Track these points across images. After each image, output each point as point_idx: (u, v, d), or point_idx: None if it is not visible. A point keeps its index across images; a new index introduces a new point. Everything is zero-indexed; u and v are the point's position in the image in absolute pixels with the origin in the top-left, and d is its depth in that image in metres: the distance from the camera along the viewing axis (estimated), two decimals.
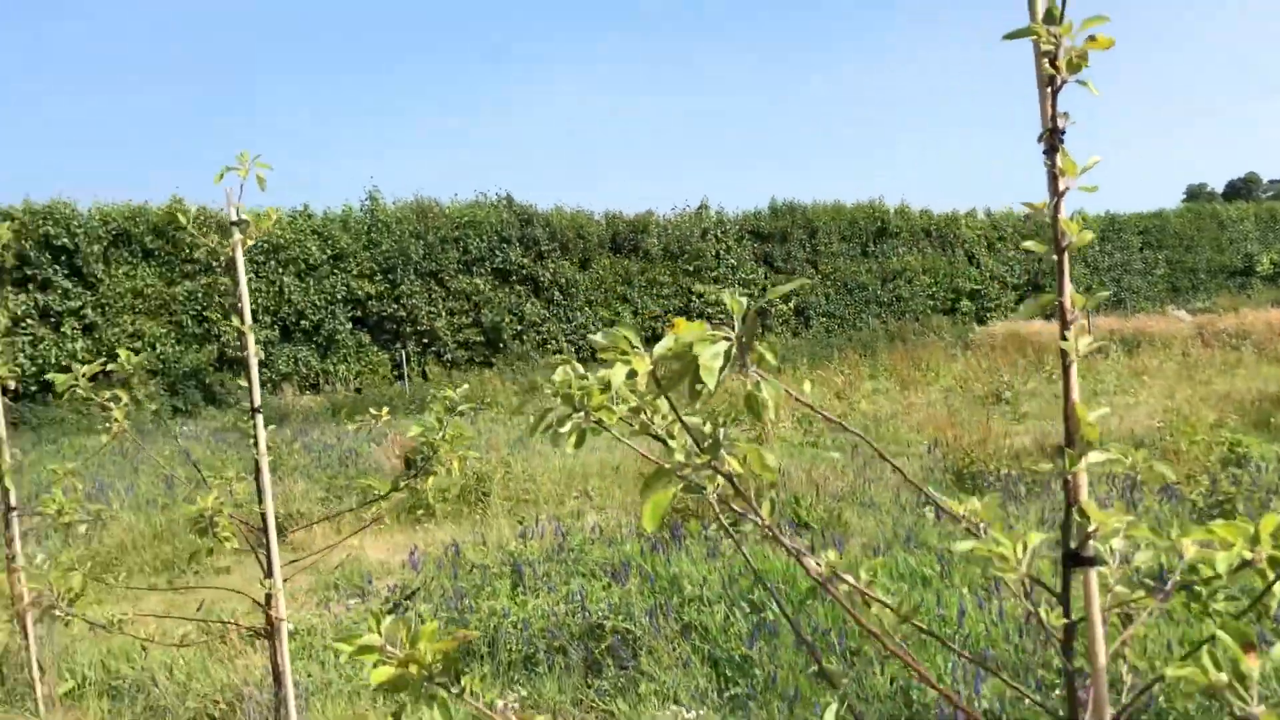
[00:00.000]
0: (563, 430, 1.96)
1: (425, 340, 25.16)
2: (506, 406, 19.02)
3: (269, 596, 3.90)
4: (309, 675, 5.01)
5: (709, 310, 29.52)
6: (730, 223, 30.80)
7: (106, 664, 5.34)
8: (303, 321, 23.61)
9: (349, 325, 24.33)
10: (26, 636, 4.84)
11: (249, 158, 3.80)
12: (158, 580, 7.43)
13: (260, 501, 3.92)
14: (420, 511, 4.62)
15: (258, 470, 3.94)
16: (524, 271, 26.83)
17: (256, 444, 3.91)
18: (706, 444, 1.58)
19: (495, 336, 26.02)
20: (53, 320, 20.79)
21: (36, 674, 4.83)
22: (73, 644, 5.60)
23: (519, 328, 26.44)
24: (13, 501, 4.77)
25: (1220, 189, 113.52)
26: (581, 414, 1.93)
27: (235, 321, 3.85)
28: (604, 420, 1.92)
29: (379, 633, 2.13)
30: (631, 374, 1.51)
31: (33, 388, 20.09)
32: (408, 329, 25.04)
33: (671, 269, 29.36)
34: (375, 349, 24.75)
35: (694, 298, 29.45)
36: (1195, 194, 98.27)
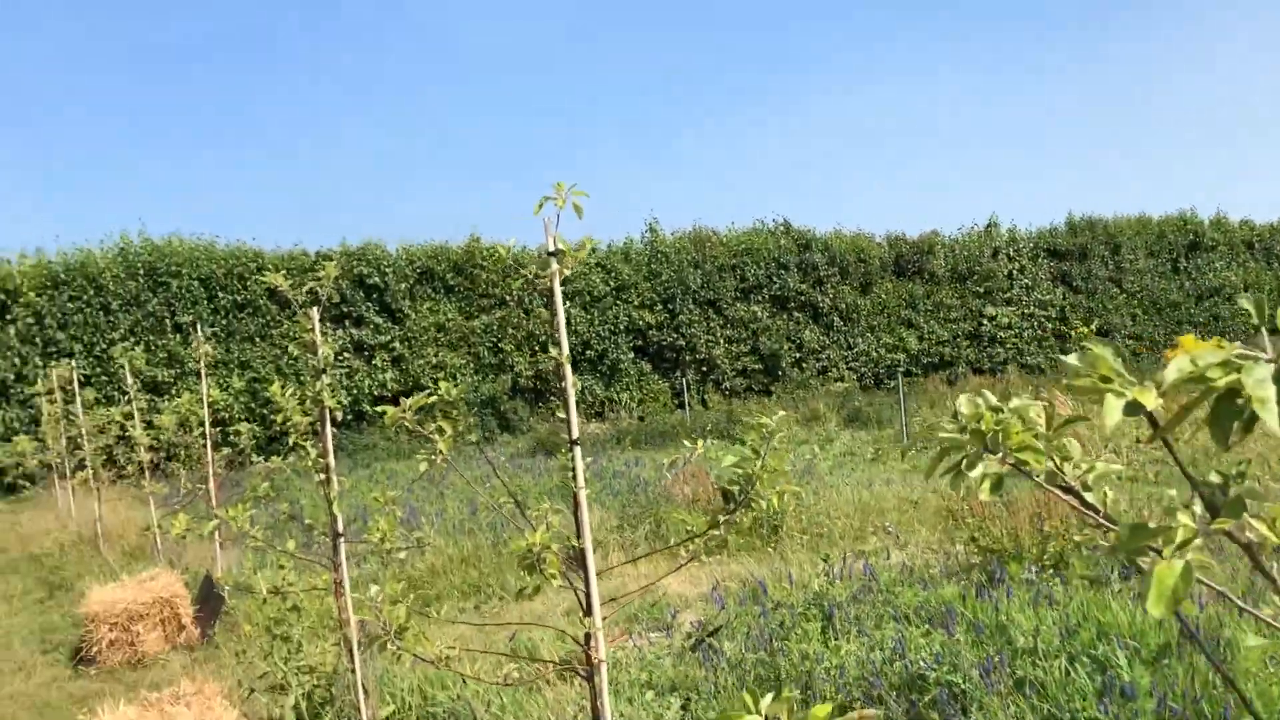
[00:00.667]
0: (972, 474, 1.62)
1: (704, 368, 25.27)
2: (790, 436, 18.65)
3: (588, 636, 3.75)
4: (621, 716, 4.86)
5: (1000, 334, 28.04)
6: (1023, 240, 29.12)
7: (423, 690, 5.43)
8: (588, 351, 24.30)
9: (631, 354, 24.82)
10: (353, 660, 4.97)
11: (564, 188, 3.68)
12: (465, 604, 7.62)
13: (578, 536, 3.78)
14: (714, 544, 4.40)
15: (576, 504, 3.81)
16: (802, 298, 26.46)
17: (575, 477, 3.78)
18: (1226, 501, 1.19)
19: (773, 364, 25.77)
20: (365, 353, 22.41)
21: (361, 696, 4.95)
22: (390, 668, 5.75)
23: (797, 355, 26.07)
24: (339, 528, 4.93)
25: None
26: (998, 455, 1.59)
27: (553, 352, 3.75)
28: (1028, 463, 1.57)
29: (758, 711, 1.87)
30: (1133, 408, 1.15)
31: (348, 416, 21.73)
32: (687, 357, 25.25)
33: (960, 291, 28.08)
34: (656, 377, 25.10)
35: (984, 321, 28.02)
36: None
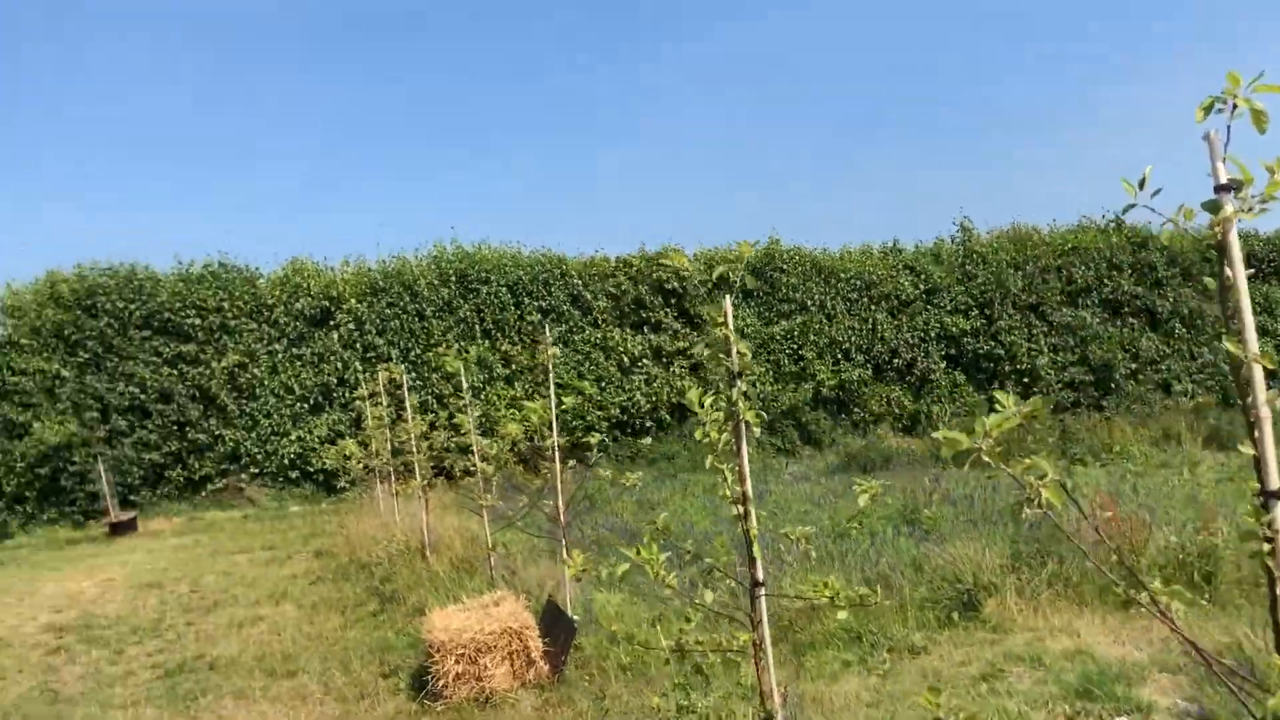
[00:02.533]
0: None
1: (1025, 380, 23.01)
2: (1142, 458, 16.36)
3: None
4: None
5: None
6: None
7: None
8: (895, 360, 22.68)
9: (942, 364, 22.96)
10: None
11: (1239, 83, 2.40)
12: (846, 655, 6.44)
13: None
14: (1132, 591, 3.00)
15: None
16: (1138, 302, 23.65)
17: None
18: None
19: (1105, 375, 23.13)
20: (664, 360, 21.83)
21: None
22: None
23: (1132, 366, 23.28)
24: (759, 575, 3.87)
25: None
26: None
27: (1230, 346, 2.48)
28: None
29: None
30: None
31: (647, 423, 21.22)
32: (1006, 368, 23.09)
33: None
34: (970, 390, 23.10)
35: None
36: None
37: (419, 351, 20.17)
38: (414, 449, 9.91)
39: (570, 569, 3.93)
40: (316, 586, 10.44)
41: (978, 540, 8.36)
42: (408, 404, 10.11)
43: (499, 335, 20.76)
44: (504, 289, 20.94)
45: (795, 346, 22.09)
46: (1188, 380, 23.46)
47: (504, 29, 55.68)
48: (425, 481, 9.50)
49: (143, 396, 19.04)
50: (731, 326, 3.93)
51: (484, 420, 20.25)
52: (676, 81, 52.59)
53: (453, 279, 20.79)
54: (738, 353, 3.90)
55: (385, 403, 11.85)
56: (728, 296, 3.89)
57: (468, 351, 20.51)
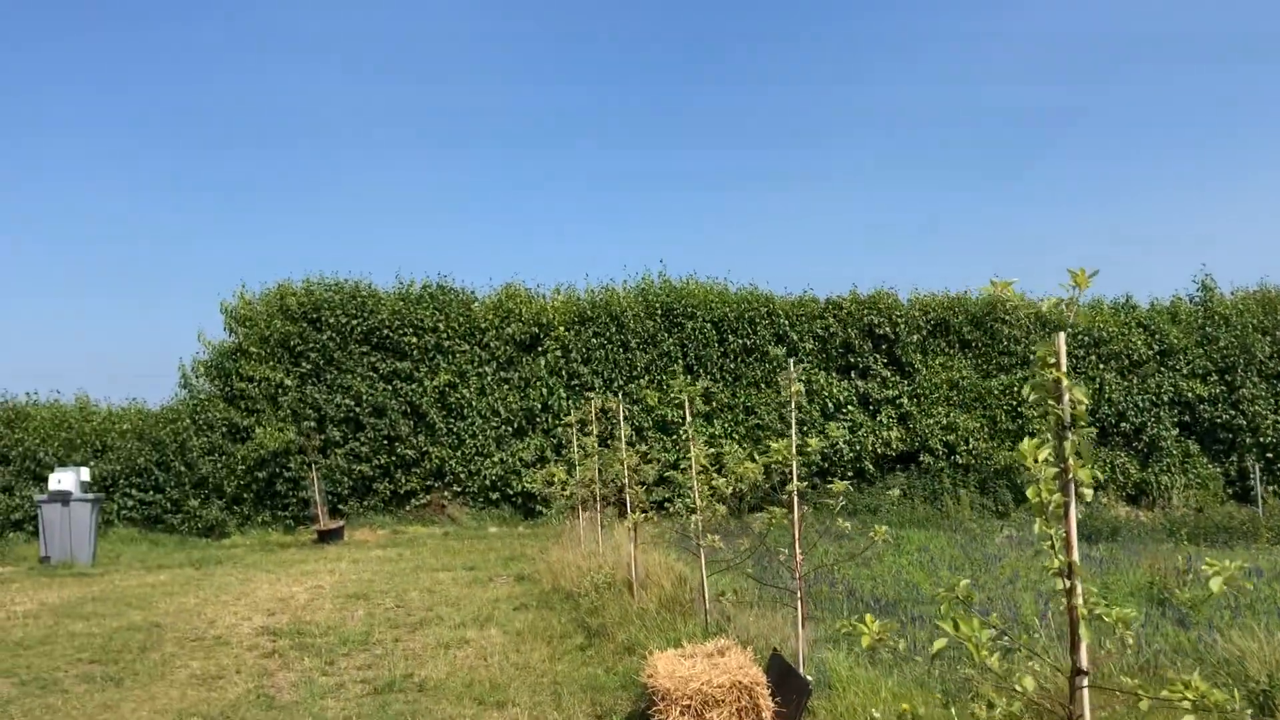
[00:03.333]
0: None
1: (1269, 454, 21.00)
2: None
3: None
4: None
5: None
6: None
7: None
8: (1122, 424, 21.12)
9: (1174, 431, 21.24)
10: None
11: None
12: None
13: None
14: None
15: None
16: None
17: None
18: None
19: None
20: (870, 408, 21.03)
21: None
22: None
23: None
24: (1083, 662, 3.30)
25: None
26: None
27: None
28: None
29: None
30: None
31: (849, 474, 20.44)
32: (1247, 439, 21.15)
33: None
34: (1204, 461, 21.27)
35: None
36: None
37: (621, 382, 20.12)
38: (627, 480, 9.66)
39: (865, 636, 3.46)
40: (521, 613, 10.30)
41: (1263, 631, 7.39)
42: (621, 434, 9.89)
43: (700, 371, 20.48)
44: (709, 325, 20.68)
45: (1014, 403, 20.88)
46: None
47: (717, 55, 56.02)
48: (641, 515, 9.21)
49: (357, 409, 19.70)
50: (1064, 367, 3.38)
51: (763, 460, 20.02)
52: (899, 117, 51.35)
53: (658, 312, 20.70)
54: (1070, 400, 3.35)
55: (595, 430, 11.71)
56: (1061, 334, 3.36)
57: (668, 385, 20.34)
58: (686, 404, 8.33)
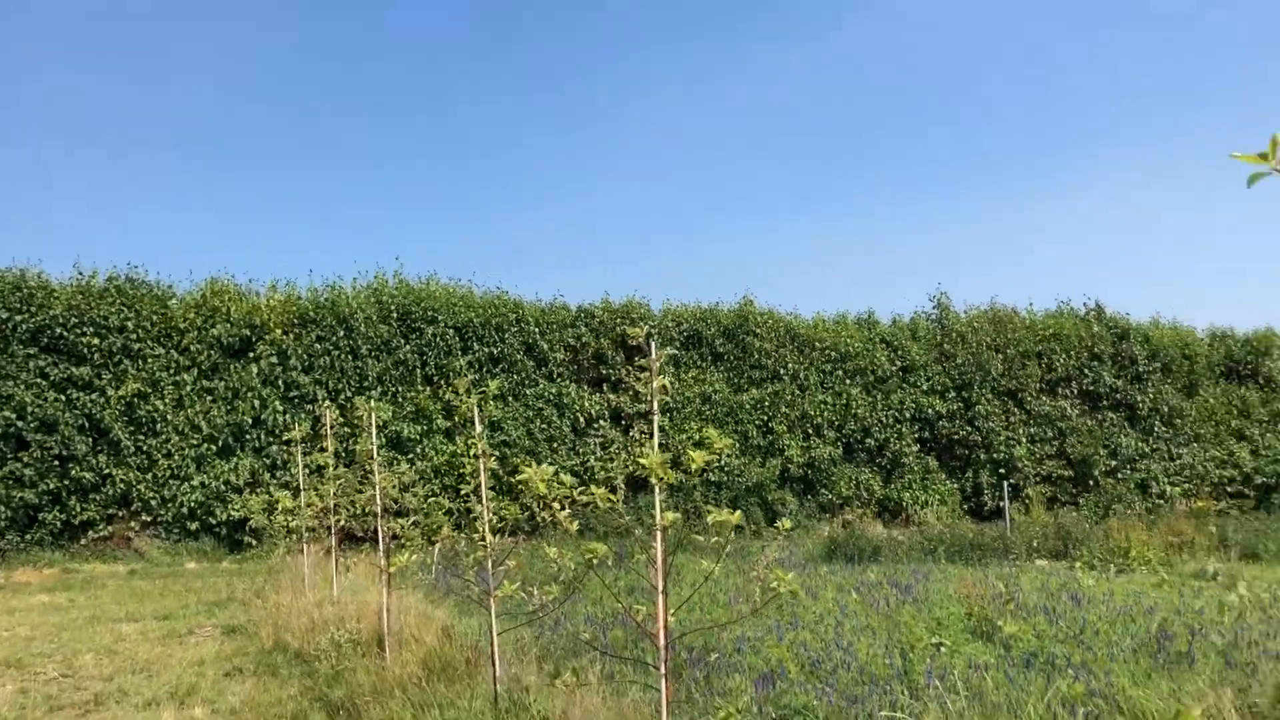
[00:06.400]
0: None
1: (1001, 470, 21.50)
2: (1163, 567, 14.79)
3: None
4: None
5: None
6: None
7: None
8: (867, 440, 20.98)
9: (915, 447, 21.34)
10: None
11: None
12: None
13: None
14: None
15: None
16: (1117, 395, 22.47)
17: None
18: None
19: (1084, 471, 21.78)
20: (623, 423, 19.77)
21: None
22: None
23: (1112, 463, 21.97)
24: None
25: None
26: None
27: None
28: None
29: None
30: None
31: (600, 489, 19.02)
32: (981, 455, 21.57)
33: None
34: (942, 476, 21.51)
35: None
36: None
37: (349, 394, 17.72)
38: (379, 508, 7.68)
39: None
40: (235, 681, 8.00)
41: (1120, 673, 6.47)
42: (374, 450, 7.87)
43: (441, 382, 18.43)
44: (451, 331, 18.69)
45: (765, 418, 20.24)
46: (1166, 481, 22.24)
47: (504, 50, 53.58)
48: (385, 550, 7.25)
49: (20, 424, 16.20)
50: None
51: (430, 473, 17.87)
52: (654, 134, 50.72)
53: (394, 315, 18.49)
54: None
55: (331, 447, 9.59)
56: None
57: (404, 398, 18.16)
58: (476, 413, 6.52)
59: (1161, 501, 21.79)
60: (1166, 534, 16.71)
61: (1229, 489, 22.70)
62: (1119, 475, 21.93)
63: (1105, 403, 22.47)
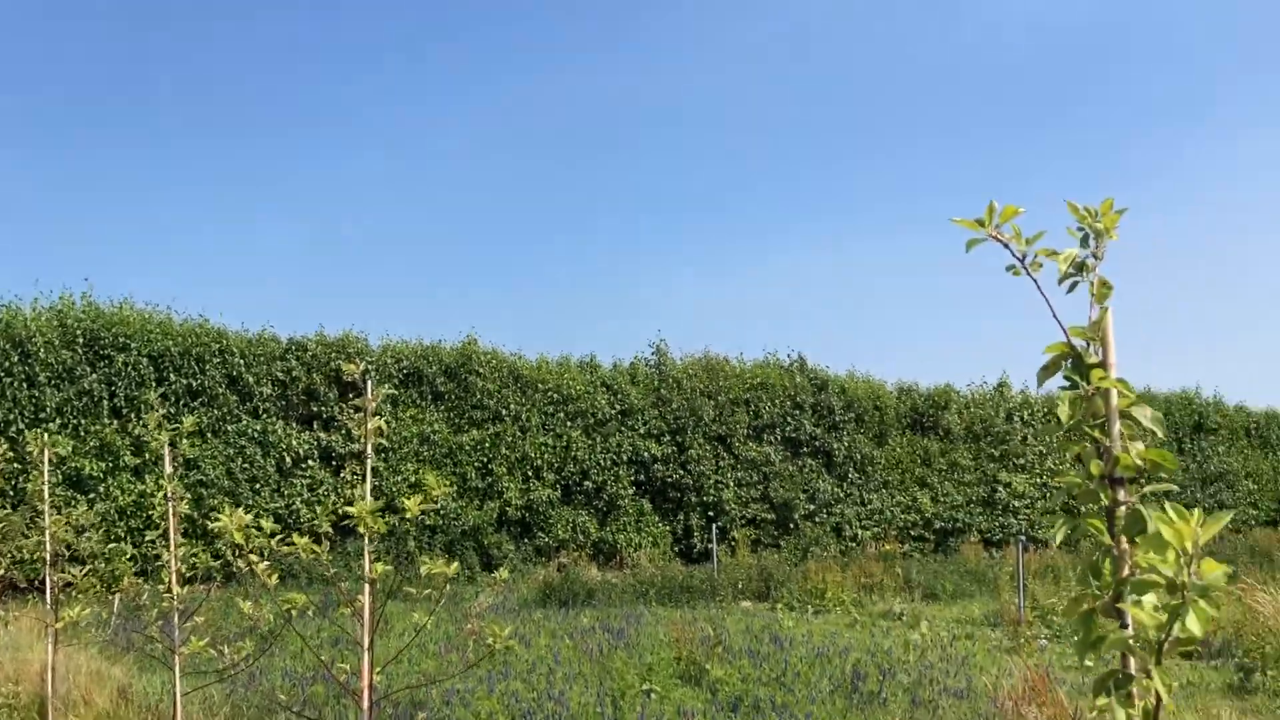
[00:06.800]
0: None
1: (710, 512, 22.27)
2: (855, 607, 15.74)
3: None
4: None
5: (1015, 504, 25.84)
6: (1037, 405, 27.21)
7: None
8: (585, 482, 21.16)
9: (631, 490, 21.74)
10: None
11: None
12: None
13: None
14: None
15: None
16: (816, 443, 23.88)
17: None
18: None
19: (786, 515, 22.94)
20: (334, 464, 18.92)
21: None
22: None
23: (810, 507, 23.28)
24: None
25: None
26: None
27: None
28: None
29: None
30: None
31: (304, 537, 18.06)
32: (692, 498, 22.27)
33: (974, 451, 25.91)
34: (656, 518, 22.01)
35: (1000, 487, 25.78)
36: None
37: (23, 425, 15.94)
38: (48, 555, 6.81)
39: None
40: None
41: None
42: (45, 489, 6.99)
43: (132, 415, 16.92)
44: (145, 360, 17.24)
45: (485, 459, 19.98)
46: (858, 525, 23.79)
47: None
48: (53, 601, 6.43)
49: None
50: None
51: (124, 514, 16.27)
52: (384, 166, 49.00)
53: (80, 340, 16.85)
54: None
55: None
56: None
57: (88, 432, 16.55)
58: (166, 452, 5.96)
59: (854, 544, 23.27)
60: (859, 575, 17.82)
61: (912, 533, 24.57)
62: (816, 519, 23.25)
63: (805, 449, 23.82)
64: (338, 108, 49.69)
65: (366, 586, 4.24)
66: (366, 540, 4.22)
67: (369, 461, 4.52)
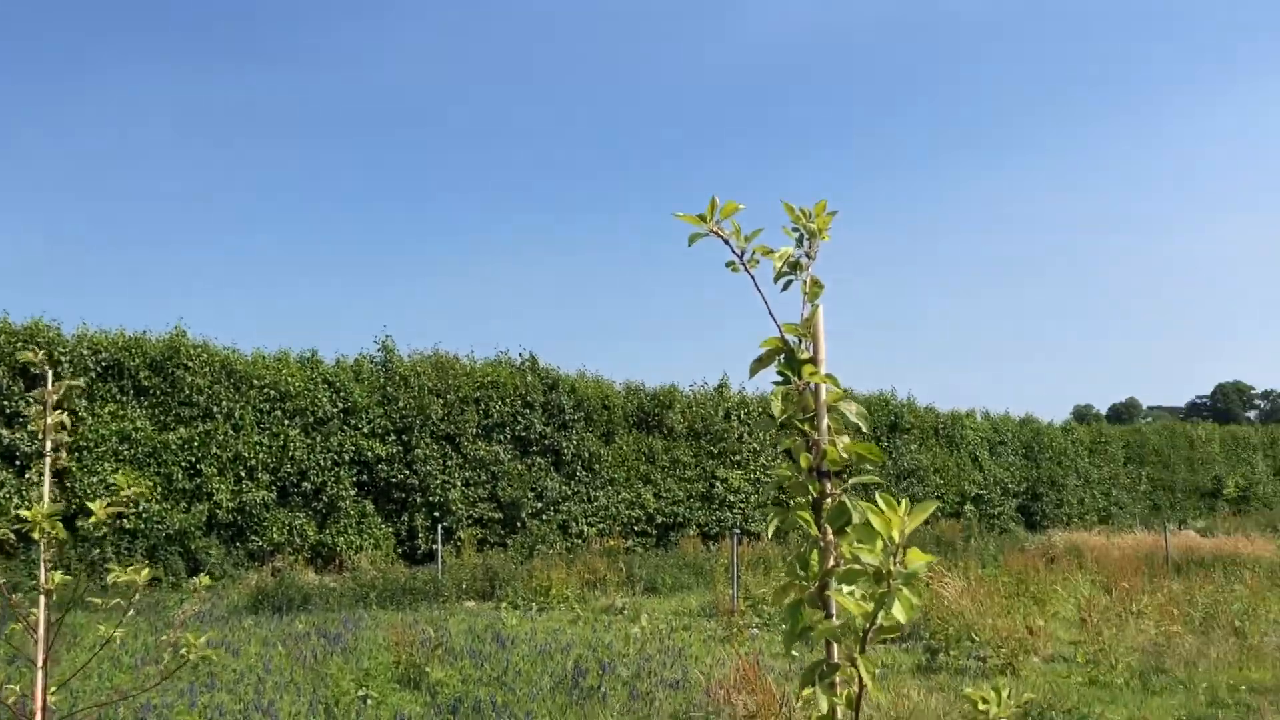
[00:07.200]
0: None
1: (436, 513, 21.88)
2: (579, 604, 15.91)
3: None
4: None
5: (730, 498, 27.04)
6: (753, 404, 28.60)
7: None
8: (304, 484, 20.24)
9: (353, 491, 21.01)
10: None
11: None
12: None
13: None
14: None
15: None
16: (546, 442, 24.00)
17: None
18: None
19: (514, 514, 22.90)
20: (18, 463, 17.16)
21: None
22: None
23: (538, 505, 23.36)
24: None
25: (1104, 410, 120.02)
26: None
27: None
28: None
29: None
30: None
31: None
32: (418, 499, 21.80)
33: (695, 449, 26.89)
34: (379, 520, 21.39)
35: (717, 482, 26.88)
36: (1082, 415, 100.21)
37: None
38: None
39: None
40: None
41: None
42: None
43: None
44: None
45: (194, 459, 18.69)
46: (584, 522, 24.09)
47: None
48: None
49: None
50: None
51: None
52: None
53: None
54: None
55: None
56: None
57: None
58: None
59: (580, 541, 23.54)
60: (583, 572, 18.04)
61: (636, 528, 25.16)
62: (544, 517, 23.36)
63: (535, 448, 23.88)
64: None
65: (41, 598, 3.82)
66: (43, 546, 3.80)
67: (48, 460, 4.08)
